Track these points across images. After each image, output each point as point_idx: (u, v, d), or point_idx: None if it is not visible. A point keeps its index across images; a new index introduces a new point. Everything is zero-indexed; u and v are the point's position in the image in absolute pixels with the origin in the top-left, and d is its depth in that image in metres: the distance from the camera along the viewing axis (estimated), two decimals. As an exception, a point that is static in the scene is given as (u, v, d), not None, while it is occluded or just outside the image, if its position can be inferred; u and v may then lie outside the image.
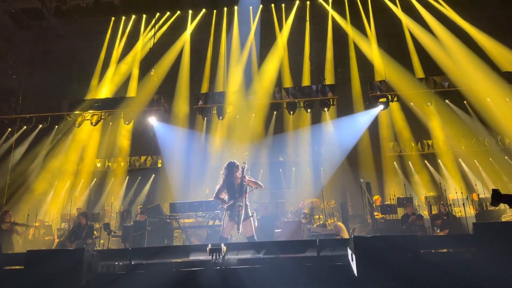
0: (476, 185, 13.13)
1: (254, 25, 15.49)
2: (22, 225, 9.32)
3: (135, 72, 15.83)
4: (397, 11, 14.99)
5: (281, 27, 15.49)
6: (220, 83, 15.07)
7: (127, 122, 14.34)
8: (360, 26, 15.24)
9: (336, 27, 15.44)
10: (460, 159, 15.00)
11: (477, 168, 14.47)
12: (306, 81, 14.70)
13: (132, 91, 15.51)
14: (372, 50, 14.69)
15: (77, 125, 14.60)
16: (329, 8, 15.43)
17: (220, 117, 14.58)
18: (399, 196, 12.76)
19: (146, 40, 15.85)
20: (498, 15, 15.35)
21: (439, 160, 15.15)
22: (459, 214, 11.34)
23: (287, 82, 15.00)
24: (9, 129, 14.16)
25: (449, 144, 15.15)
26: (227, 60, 15.34)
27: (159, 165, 16.28)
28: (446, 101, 13.79)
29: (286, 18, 15.50)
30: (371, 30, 15.03)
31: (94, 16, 15.52)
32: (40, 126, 14.57)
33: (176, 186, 14.44)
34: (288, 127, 15.18)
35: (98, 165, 16.69)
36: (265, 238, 8.89)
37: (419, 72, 14.37)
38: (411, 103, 14.30)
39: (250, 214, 6.20)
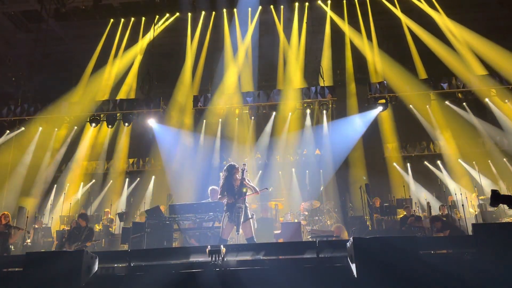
0: (475, 186, 13.14)
1: (252, 27, 15.50)
2: (16, 228, 9.20)
3: (135, 74, 15.84)
4: (397, 12, 15.03)
5: (281, 29, 15.53)
6: (219, 85, 15.07)
7: (126, 124, 14.35)
8: (359, 28, 15.28)
9: (335, 28, 15.47)
10: (460, 160, 15.03)
11: (477, 169, 14.48)
12: (304, 82, 14.71)
13: (131, 93, 15.52)
14: (372, 52, 14.72)
15: (76, 127, 14.56)
16: (327, 9, 15.45)
17: (219, 119, 14.59)
18: (399, 197, 12.77)
19: (145, 42, 15.86)
20: (498, 17, 15.40)
21: (439, 162, 15.15)
22: (459, 216, 11.34)
23: (287, 84, 15.02)
24: (8, 131, 14.11)
25: (449, 145, 15.15)
26: (232, 62, 15.33)
27: (159, 167, 16.27)
28: (446, 102, 13.81)
29: (285, 20, 15.52)
30: (370, 31, 15.07)
31: (93, 18, 15.52)
32: (40, 128, 14.58)
33: (176, 188, 14.43)
34: (287, 128, 15.17)
35: (98, 167, 16.67)
36: (265, 240, 8.88)
37: (421, 73, 14.42)
38: (411, 105, 14.35)
39: (250, 216, 6.20)
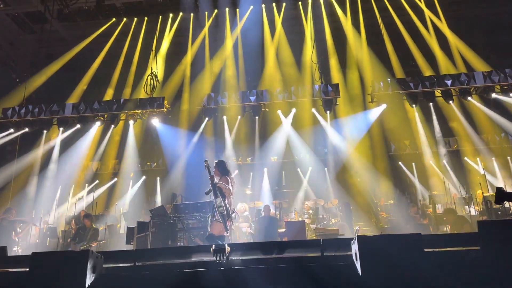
0: (480, 183, 13.07)
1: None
2: (21, 221, 9.22)
3: (137, 73, 15.87)
4: (398, 10, 15.00)
5: (280, 25, 15.53)
6: (223, 84, 15.07)
7: (131, 123, 14.38)
8: (359, 26, 15.23)
9: (338, 26, 15.42)
10: (466, 157, 14.98)
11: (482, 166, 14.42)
12: (308, 80, 14.69)
13: (135, 93, 15.56)
14: (375, 49, 14.69)
15: (80, 127, 14.62)
16: (334, 6, 15.42)
17: (224, 118, 14.61)
18: (404, 195, 12.75)
19: (148, 42, 15.88)
20: (500, 12, 15.32)
21: (443, 159, 15.10)
22: (464, 212, 11.30)
23: (291, 82, 15.00)
24: (12, 130, 14.15)
25: (453, 143, 15.11)
26: (234, 61, 15.33)
27: (163, 167, 16.30)
28: (450, 102, 13.74)
29: (288, 18, 15.51)
30: (371, 29, 15.03)
31: (96, 19, 15.57)
32: (45, 131, 14.63)
33: (180, 187, 14.45)
34: (291, 127, 15.14)
35: (102, 167, 16.73)
36: (269, 239, 8.89)
37: (426, 71, 14.40)
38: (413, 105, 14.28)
39: (217, 216, 6.07)
